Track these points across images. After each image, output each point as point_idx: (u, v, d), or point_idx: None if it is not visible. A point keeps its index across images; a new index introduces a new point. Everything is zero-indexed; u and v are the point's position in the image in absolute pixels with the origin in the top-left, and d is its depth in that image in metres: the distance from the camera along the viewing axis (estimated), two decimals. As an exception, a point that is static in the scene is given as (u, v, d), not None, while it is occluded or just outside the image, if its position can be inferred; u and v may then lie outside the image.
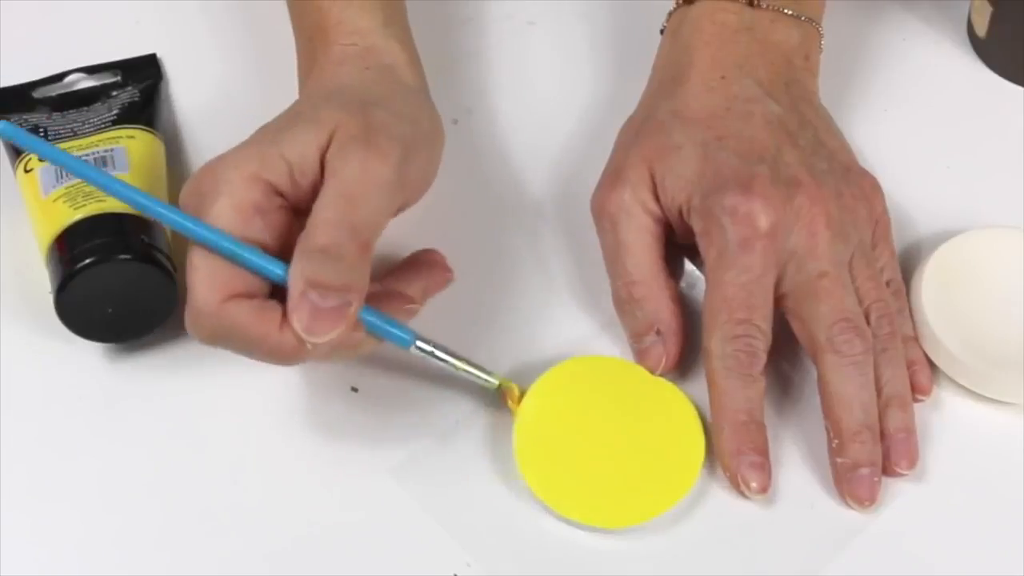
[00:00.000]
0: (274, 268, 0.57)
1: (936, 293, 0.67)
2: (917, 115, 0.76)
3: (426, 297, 0.63)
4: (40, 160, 0.67)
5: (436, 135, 0.64)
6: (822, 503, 0.63)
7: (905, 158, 0.74)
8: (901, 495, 0.63)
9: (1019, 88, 0.77)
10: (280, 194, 0.59)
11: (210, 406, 0.66)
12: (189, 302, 0.57)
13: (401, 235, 0.71)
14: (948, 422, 0.65)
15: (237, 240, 0.57)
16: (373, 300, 0.60)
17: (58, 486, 0.64)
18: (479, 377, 0.63)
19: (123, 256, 0.65)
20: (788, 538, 0.62)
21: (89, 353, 0.67)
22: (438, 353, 0.62)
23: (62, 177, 0.67)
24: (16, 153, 0.70)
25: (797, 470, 0.64)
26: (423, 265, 0.64)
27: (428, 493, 0.63)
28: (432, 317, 0.66)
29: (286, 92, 0.75)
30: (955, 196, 0.72)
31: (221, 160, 0.59)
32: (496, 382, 0.63)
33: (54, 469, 0.64)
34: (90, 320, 0.65)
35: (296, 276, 0.56)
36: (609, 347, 0.67)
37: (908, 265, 0.69)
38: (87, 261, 0.64)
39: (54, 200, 0.67)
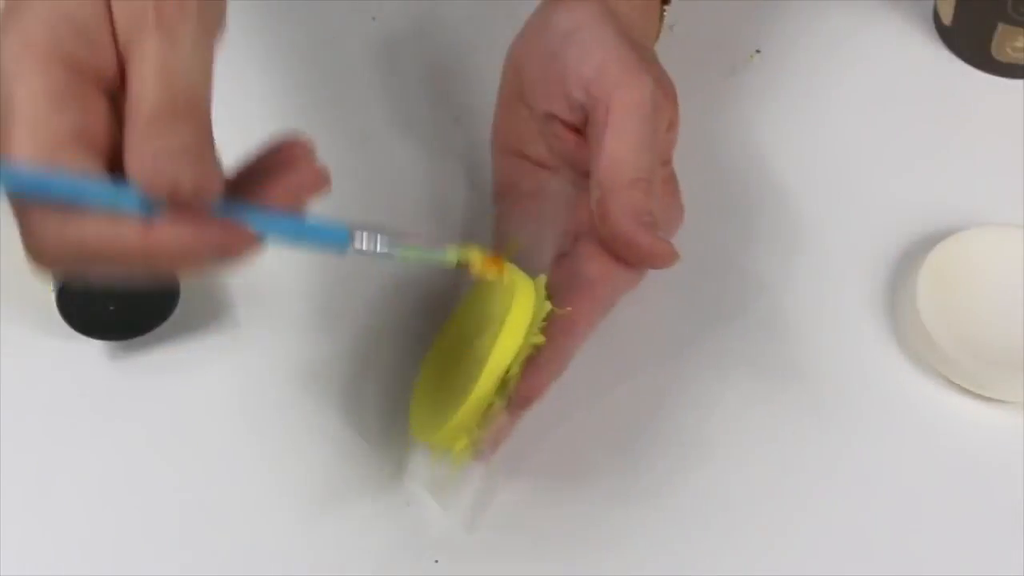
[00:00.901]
0: (126, 195, 0.48)
1: (932, 293, 0.67)
2: (884, 107, 0.76)
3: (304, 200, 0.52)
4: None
5: None
6: (822, 503, 0.63)
7: (892, 154, 0.74)
8: (901, 495, 0.63)
9: (985, 76, 0.77)
10: (82, 65, 0.49)
11: (211, 404, 0.66)
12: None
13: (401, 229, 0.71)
14: (946, 422, 0.65)
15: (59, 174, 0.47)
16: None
17: (59, 483, 0.64)
18: (436, 256, 0.56)
19: (125, 254, 0.65)
20: (788, 538, 0.62)
21: (90, 351, 0.67)
22: (394, 249, 0.53)
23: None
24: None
25: (797, 470, 0.64)
26: (283, 164, 0.53)
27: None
28: (433, 318, 0.66)
29: (290, 92, 0.76)
30: (950, 195, 0.73)
31: None
32: (454, 257, 0.57)
33: (55, 466, 0.64)
34: (91, 318, 0.65)
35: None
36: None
37: (905, 265, 0.69)
38: (89, 259, 0.64)
39: (56, 198, 0.67)
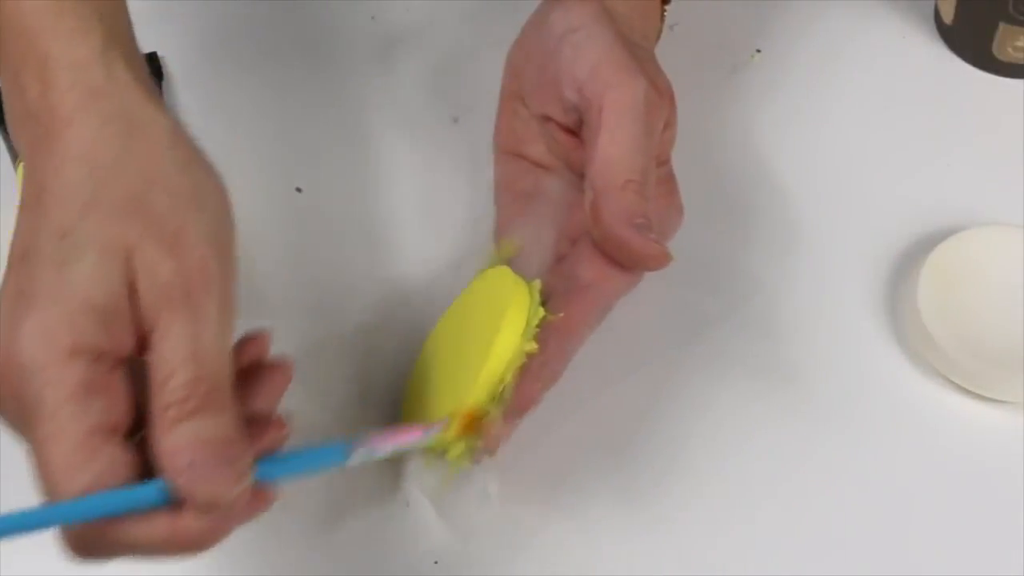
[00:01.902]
0: (148, 491, 0.49)
1: (933, 293, 0.67)
2: (885, 107, 0.76)
3: (277, 403, 0.54)
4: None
5: (218, 191, 0.53)
6: (822, 504, 0.63)
7: (893, 154, 0.74)
8: (901, 495, 0.63)
9: (986, 75, 0.77)
10: (103, 352, 0.49)
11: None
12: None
13: (401, 233, 0.71)
14: (947, 422, 0.65)
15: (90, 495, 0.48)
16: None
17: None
18: (424, 442, 0.58)
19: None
20: (787, 538, 0.62)
21: (90, 351, 0.67)
22: (384, 453, 0.56)
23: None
24: (17, 154, 0.70)
25: (797, 470, 0.64)
26: (257, 371, 0.54)
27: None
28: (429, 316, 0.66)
29: (289, 92, 0.76)
30: (951, 195, 0.72)
31: (17, 337, 0.48)
32: (432, 441, 0.58)
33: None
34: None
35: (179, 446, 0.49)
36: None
37: (905, 265, 0.69)
38: (88, 260, 0.64)
39: (55, 199, 0.66)
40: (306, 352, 0.67)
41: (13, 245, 0.51)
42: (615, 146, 0.61)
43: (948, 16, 0.77)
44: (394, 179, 0.73)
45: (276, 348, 0.67)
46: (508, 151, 0.67)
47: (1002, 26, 0.75)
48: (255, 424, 0.52)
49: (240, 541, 0.62)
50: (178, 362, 0.49)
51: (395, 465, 0.63)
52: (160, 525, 0.49)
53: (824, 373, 0.67)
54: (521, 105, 0.66)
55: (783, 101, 0.76)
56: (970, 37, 0.77)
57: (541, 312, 0.60)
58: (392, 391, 0.65)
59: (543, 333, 0.59)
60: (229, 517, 0.50)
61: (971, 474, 0.64)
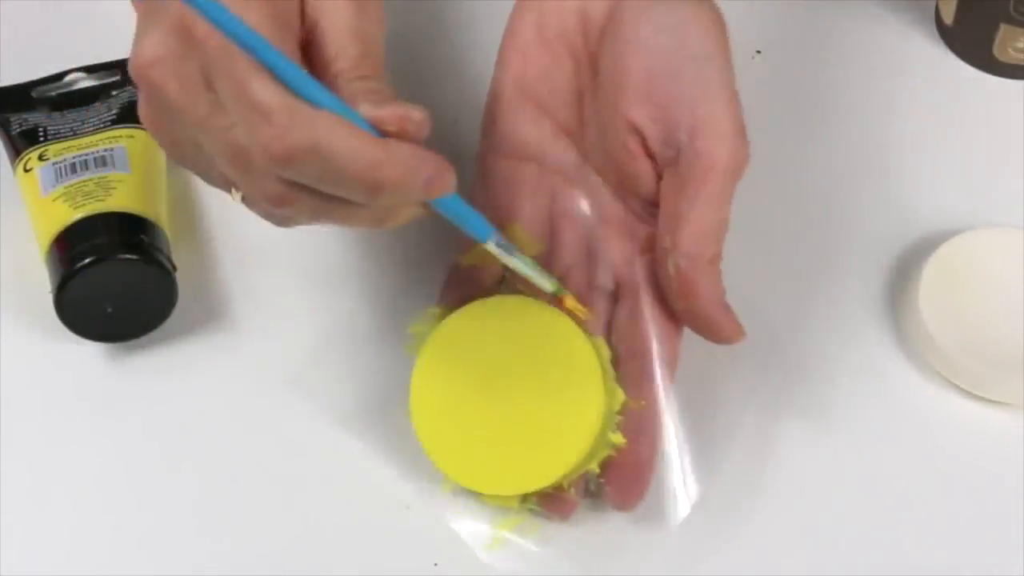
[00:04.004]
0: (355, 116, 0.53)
1: (935, 295, 0.66)
2: (885, 108, 0.76)
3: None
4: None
5: None
6: (823, 505, 0.63)
7: (894, 155, 0.74)
8: (902, 497, 0.63)
9: (987, 77, 0.77)
10: (286, 20, 0.55)
11: (209, 406, 0.66)
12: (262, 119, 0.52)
13: (401, 234, 0.71)
14: (948, 424, 0.65)
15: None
16: None
17: (57, 485, 0.64)
18: (538, 279, 0.60)
19: (122, 256, 0.65)
20: (788, 539, 0.62)
21: (88, 353, 0.67)
22: (511, 256, 0.59)
23: (62, 176, 0.67)
24: (16, 152, 0.70)
25: (798, 471, 0.64)
26: None
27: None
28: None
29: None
30: (952, 196, 0.72)
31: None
32: (552, 287, 0.60)
33: (53, 468, 0.64)
34: (89, 320, 0.65)
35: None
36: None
37: (907, 267, 0.69)
38: (86, 261, 0.64)
39: (53, 200, 0.67)
40: (305, 353, 0.67)
41: (138, 26, 0.58)
42: (712, 215, 0.60)
43: (949, 17, 0.77)
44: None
45: (274, 349, 0.67)
46: (528, 95, 0.65)
47: (1003, 27, 0.75)
48: None
49: (241, 542, 0.62)
50: (347, 40, 0.55)
51: (395, 465, 0.63)
52: (369, 138, 0.52)
53: (825, 374, 0.66)
54: (581, 65, 0.64)
55: (783, 102, 0.76)
56: (971, 38, 0.77)
57: (621, 397, 0.60)
58: (395, 392, 0.65)
59: (627, 423, 0.60)
60: (424, 156, 0.53)
61: (972, 476, 0.64)
